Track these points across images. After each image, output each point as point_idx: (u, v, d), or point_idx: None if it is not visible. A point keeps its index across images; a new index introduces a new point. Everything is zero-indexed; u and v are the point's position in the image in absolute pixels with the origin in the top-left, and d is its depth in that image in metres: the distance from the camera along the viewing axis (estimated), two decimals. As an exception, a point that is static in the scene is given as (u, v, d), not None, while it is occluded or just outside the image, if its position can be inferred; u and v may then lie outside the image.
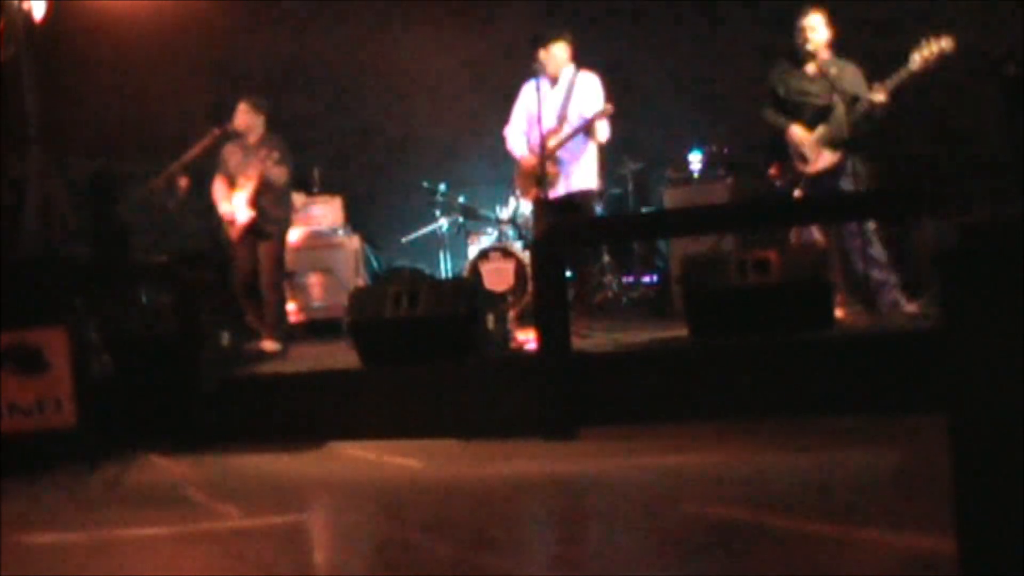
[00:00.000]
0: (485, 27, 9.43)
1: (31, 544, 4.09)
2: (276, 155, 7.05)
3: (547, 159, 6.44)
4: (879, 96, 5.86)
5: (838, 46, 6.28)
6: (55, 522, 4.45)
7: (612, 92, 6.75)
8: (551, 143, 6.50)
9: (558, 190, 6.62)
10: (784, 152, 6.26)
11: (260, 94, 7.53)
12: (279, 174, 7.14)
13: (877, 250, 6.09)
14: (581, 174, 6.68)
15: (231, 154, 7.35)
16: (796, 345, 5.26)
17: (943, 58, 5.68)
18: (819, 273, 5.49)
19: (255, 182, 7.09)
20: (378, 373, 5.85)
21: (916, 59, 5.71)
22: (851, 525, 3.44)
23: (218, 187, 7.32)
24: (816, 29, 6.20)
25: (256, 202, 7.14)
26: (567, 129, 6.59)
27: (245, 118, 7.29)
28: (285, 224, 7.52)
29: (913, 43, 5.74)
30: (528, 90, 6.81)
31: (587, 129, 6.49)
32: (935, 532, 2.86)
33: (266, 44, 9.67)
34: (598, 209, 8.11)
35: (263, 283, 7.25)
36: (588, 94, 6.62)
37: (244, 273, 7.29)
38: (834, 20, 6.28)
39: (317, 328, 8.53)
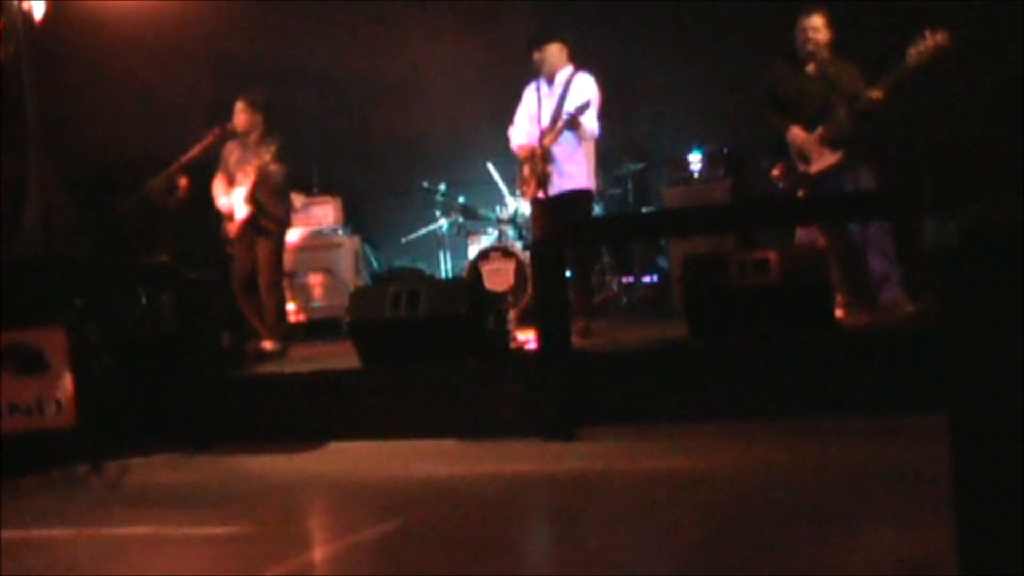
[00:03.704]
0: (485, 27, 9.42)
1: (31, 544, 4.09)
2: (274, 149, 7.05)
3: (542, 158, 6.43)
4: (876, 94, 5.86)
5: (836, 46, 6.27)
6: (55, 522, 4.45)
7: (611, 92, 6.75)
8: (546, 141, 6.49)
9: (553, 189, 6.61)
10: (786, 153, 6.25)
11: (258, 90, 7.52)
12: (276, 170, 7.14)
13: (888, 244, 6.08)
14: (575, 173, 6.66)
15: (231, 152, 7.37)
16: (796, 345, 5.26)
17: (939, 53, 5.67)
18: (819, 273, 5.49)
19: (253, 178, 7.10)
20: (378, 373, 5.85)
21: (912, 55, 5.70)
22: (851, 525, 3.45)
23: (217, 185, 7.33)
24: (818, 30, 6.19)
25: (253, 198, 7.14)
26: (557, 128, 6.59)
27: (243, 116, 7.29)
28: (284, 223, 7.51)
29: (909, 40, 5.73)
30: (530, 91, 6.81)
31: (573, 125, 6.46)
32: (935, 532, 2.86)
33: (266, 44, 9.67)
34: (596, 209, 8.11)
35: (262, 283, 7.24)
36: (582, 94, 6.61)
37: (243, 272, 7.28)
38: (832, 20, 6.27)
39: (317, 328, 8.53)
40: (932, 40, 5.66)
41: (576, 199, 6.67)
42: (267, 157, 7.05)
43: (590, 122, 6.52)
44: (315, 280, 8.75)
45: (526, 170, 6.84)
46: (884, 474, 4.04)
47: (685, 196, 7.98)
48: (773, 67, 6.45)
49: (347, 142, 9.64)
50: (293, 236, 8.70)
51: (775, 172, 6.31)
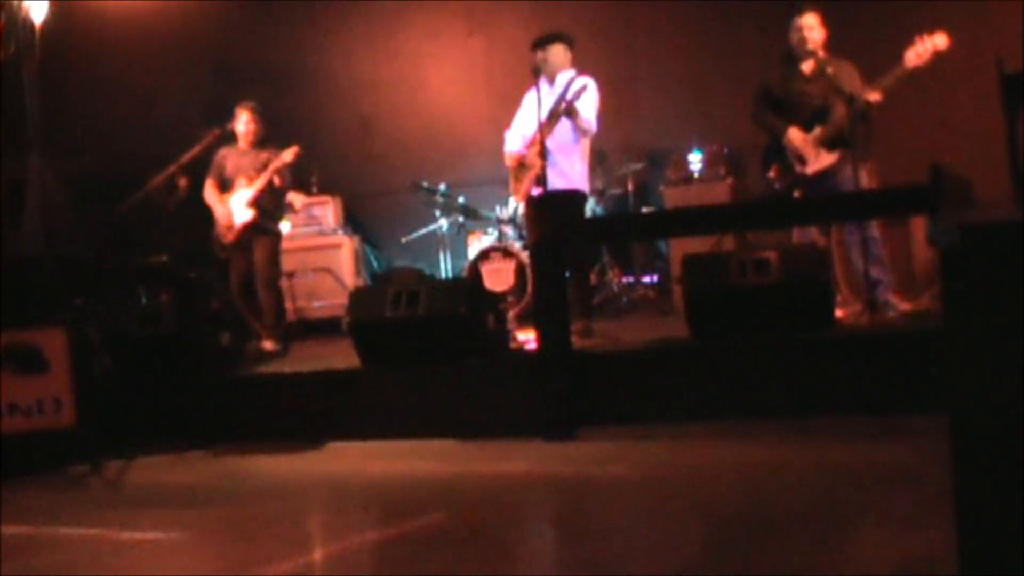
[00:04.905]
0: (485, 28, 9.43)
1: (31, 544, 4.10)
2: (296, 150, 7.10)
3: (536, 152, 6.40)
4: (874, 95, 5.85)
5: (834, 46, 6.26)
6: (55, 522, 4.45)
7: (611, 92, 6.74)
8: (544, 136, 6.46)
9: (545, 184, 6.56)
10: (783, 154, 6.25)
11: (257, 99, 7.56)
12: (287, 176, 7.22)
13: (878, 249, 6.10)
14: (571, 172, 6.61)
15: (226, 158, 7.36)
16: (796, 345, 5.26)
17: (937, 56, 5.67)
18: (819, 273, 5.49)
19: (264, 182, 7.12)
20: (378, 373, 5.85)
21: (910, 57, 5.71)
22: (851, 525, 3.45)
23: (210, 191, 7.31)
24: (813, 28, 6.19)
25: (258, 202, 7.16)
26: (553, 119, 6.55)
27: (247, 124, 7.31)
28: (280, 222, 7.59)
29: (907, 41, 5.73)
30: (530, 96, 6.80)
31: (568, 112, 6.43)
32: (935, 532, 2.86)
33: (266, 44, 9.68)
34: (597, 209, 8.11)
35: (260, 282, 7.25)
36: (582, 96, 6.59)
37: (241, 276, 7.29)
38: (830, 20, 6.27)
39: (317, 328, 8.53)
40: (930, 42, 5.65)
41: (569, 200, 6.63)
42: (290, 159, 7.11)
43: (587, 111, 6.48)
44: (315, 280, 8.74)
45: (514, 173, 6.83)
46: (884, 474, 4.04)
47: (685, 196, 7.98)
48: (771, 69, 6.45)
49: (346, 142, 9.63)
50: (293, 236, 8.71)
51: (771, 174, 6.30)
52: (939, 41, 5.65)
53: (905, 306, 6.02)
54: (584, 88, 6.37)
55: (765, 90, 6.41)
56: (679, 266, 6.44)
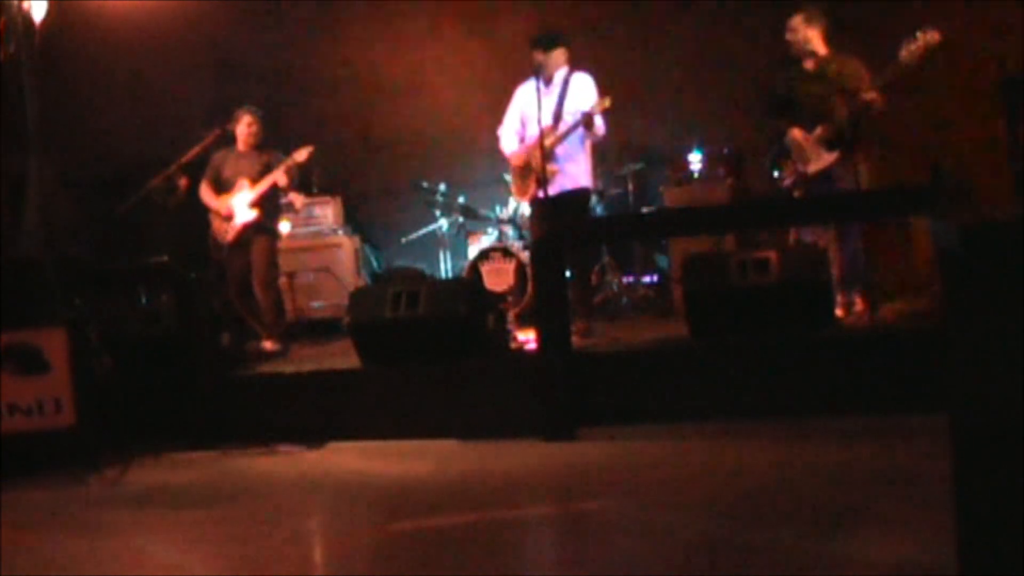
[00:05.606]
0: (485, 27, 9.42)
1: (31, 544, 4.10)
2: (303, 155, 7.12)
3: (543, 157, 6.42)
4: (871, 95, 5.86)
5: (834, 45, 6.26)
6: (55, 522, 4.46)
7: (611, 92, 6.74)
8: (547, 141, 6.48)
9: (554, 188, 6.60)
10: (788, 153, 6.25)
11: (257, 99, 7.57)
12: (295, 176, 7.29)
13: (856, 246, 6.13)
14: (577, 172, 6.67)
15: (224, 159, 7.36)
16: (796, 345, 5.27)
17: (929, 52, 5.68)
18: (819, 273, 5.49)
19: (271, 182, 7.14)
20: (378, 373, 5.85)
21: (904, 55, 5.72)
22: (850, 525, 3.45)
23: (206, 192, 7.32)
24: (810, 23, 6.19)
25: (261, 203, 7.18)
26: (563, 127, 6.59)
27: (249, 128, 7.32)
28: (278, 223, 7.61)
29: (903, 40, 5.74)
30: (522, 91, 6.81)
31: (585, 123, 6.47)
32: (935, 532, 2.86)
33: (266, 44, 9.67)
34: (597, 209, 8.11)
35: (257, 282, 7.25)
36: (583, 93, 6.62)
37: (238, 276, 7.30)
38: (829, 20, 6.27)
39: (317, 328, 8.52)
40: (923, 39, 5.66)
41: (575, 198, 6.68)
42: (303, 159, 7.17)
43: (600, 121, 6.54)
44: (315, 280, 8.74)
45: (519, 173, 6.84)
46: (884, 474, 4.04)
47: (685, 196, 7.98)
48: (773, 69, 6.46)
49: (346, 142, 9.63)
50: (293, 236, 8.70)
51: (785, 171, 6.29)
52: (930, 38, 5.66)
53: (859, 308, 6.03)
54: (606, 107, 6.41)
55: (771, 92, 6.43)
56: (679, 266, 6.45)
